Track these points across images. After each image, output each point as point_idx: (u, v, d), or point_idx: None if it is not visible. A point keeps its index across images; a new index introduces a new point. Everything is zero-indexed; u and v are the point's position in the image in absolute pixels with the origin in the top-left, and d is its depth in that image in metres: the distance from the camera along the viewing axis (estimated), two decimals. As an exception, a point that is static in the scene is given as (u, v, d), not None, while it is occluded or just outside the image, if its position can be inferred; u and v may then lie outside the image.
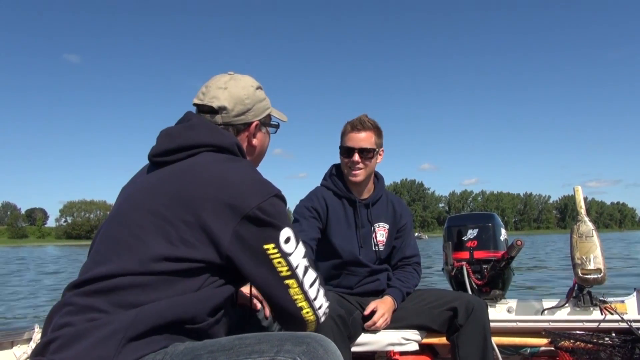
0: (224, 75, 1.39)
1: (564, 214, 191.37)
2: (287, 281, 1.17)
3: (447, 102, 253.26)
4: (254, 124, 1.37)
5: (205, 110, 1.33)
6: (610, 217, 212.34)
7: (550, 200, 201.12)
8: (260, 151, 1.45)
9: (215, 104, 1.31)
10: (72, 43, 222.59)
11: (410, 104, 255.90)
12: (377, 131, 2.21)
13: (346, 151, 2.19)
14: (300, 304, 1.19)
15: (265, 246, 1.14)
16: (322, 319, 1.25)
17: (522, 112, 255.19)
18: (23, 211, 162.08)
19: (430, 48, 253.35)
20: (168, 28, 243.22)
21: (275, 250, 1.15)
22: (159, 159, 1.25)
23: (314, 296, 1.20)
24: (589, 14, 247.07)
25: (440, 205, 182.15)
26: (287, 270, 1.16)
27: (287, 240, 1.17)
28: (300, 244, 1.20)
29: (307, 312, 1.20)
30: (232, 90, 1.33)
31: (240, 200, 1.12)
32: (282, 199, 1.21)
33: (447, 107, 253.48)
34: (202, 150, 1.23)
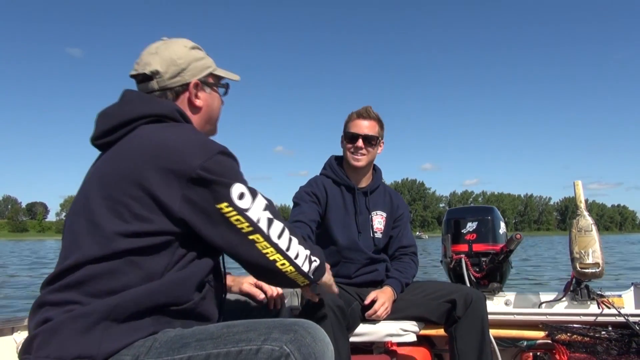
0: (156, 42, 1.33)
1: (564, 215, 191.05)
2: (251, 237, 1.12)
3: (449, 102, 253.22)
4: (192, 83, 1.30)
5: (140, 79, 1.29)
6: (610, 220, 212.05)
7: (551, 202, 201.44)
8: (208, 112, 1.36)
9: (147, 70, 1.27)
10: (74, 37, 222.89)
11: (412, 103, 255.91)
12: (380, 123, 2.30)
13: (351, 137, 2.24)
14: (272, 257, 1.14)
15: (218, 205, 1.10)
16: (306, 268, 1.20)
17: (524, 113, 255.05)
18: (24, 205, 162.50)
19: (431, 48, 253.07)
20: (170, 21, 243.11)
21: (230, 209, 1.10)
22: (99, 141, 1.22)
23: (285, 246, 1.15)
24: (593, 14, 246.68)
25: (441, 205, 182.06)
26: (249, 226, 1.11)
27: (241, 195, 1.12)
28: (259, 197, 1.15)
29: (283, 264, 1.15)
30: (163, 53, 1.28)
31: (181, 164, 1.09)
32: (230, 155, 1.16)
33: (449, 107, 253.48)
34: (140, 122, 1.19)
